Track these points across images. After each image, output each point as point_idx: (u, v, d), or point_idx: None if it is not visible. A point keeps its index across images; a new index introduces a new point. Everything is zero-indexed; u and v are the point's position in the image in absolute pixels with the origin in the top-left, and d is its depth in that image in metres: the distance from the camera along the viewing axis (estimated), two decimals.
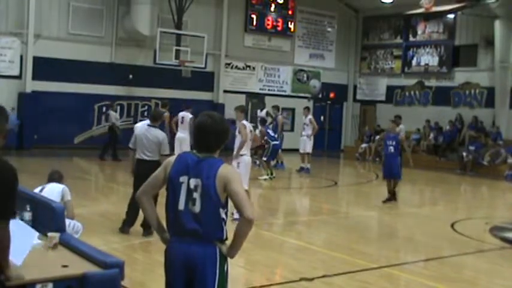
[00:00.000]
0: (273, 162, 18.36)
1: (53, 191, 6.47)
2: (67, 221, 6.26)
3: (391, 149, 12.59)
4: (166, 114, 15.10)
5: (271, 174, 16.09)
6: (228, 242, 3.71)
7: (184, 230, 3.62)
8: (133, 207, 8.66)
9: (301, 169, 18.11)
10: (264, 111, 19.71)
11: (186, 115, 15.43)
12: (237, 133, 10.11)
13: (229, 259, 3.73)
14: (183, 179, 3.62)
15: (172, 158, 3.82)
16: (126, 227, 8.63)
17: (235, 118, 10.51)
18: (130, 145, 8.71)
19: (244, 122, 10.38)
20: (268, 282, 6.89)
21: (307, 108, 19.41)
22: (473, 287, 7.38)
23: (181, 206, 3.62)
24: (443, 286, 7.09)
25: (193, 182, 3.59)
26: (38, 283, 3.97)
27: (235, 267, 7.94)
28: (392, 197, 12.86)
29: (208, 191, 3.56)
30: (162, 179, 3.80)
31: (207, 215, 3.58)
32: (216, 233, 3.62)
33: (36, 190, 6.51)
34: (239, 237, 3.64)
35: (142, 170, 8.52)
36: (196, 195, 3.57)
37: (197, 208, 3.58)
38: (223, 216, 3.63)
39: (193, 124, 3.88)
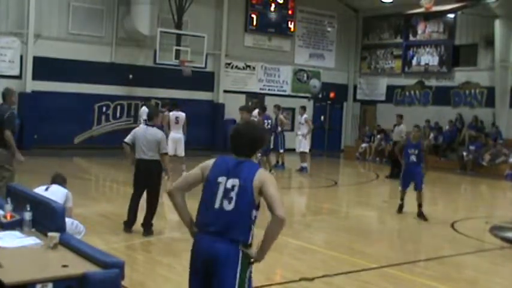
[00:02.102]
0: (273, 162, 18.40)
1: (57, 193, 6.52)
2: (70, 220, 6.29)
3: (413, 158, 11.37)
4: (167, 114, 15.06)
5: (270, 170, 16.13)
6: (254, 248, 3.84)
7: (213, 227, 3.78)
8: (133, 208, 8.68)
9: (302, 168, 18.12)
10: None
11: (180, 115, 15.12)
12: None
13: (254, 265, 3.88)
14: (222, 179, 3.82)
15: (210, 161, 4.02)
16: (127, 227, 8.63)
17: (240, 119, 10.19)
18: (127, 140, 8.69)
19: None
20: (268, 282, 6.88)
21: (303, 107, 19.40)
22: (474, 286, 7.39)
23: (216, 204, 3.80)
24: (444, 286, 7.09)
25: (231, 182, 3.79)
26: (38, 283, 3.97)
27: None
28: (420, 214, 11.22)
29: (245, 191, 3.76)
30: (198, 179, 4.02)
31: (239, 213, 3.75)
32: (242, 235, 3.76)
33: (41, 188, 6.58)
34: (269, 237, 3.81)
35: (144, 170, 8.56)
36: (233, 194, 3.77)
37: (231, 206, 3.76)
38: (253, 217, 3.79)
39: (232, 130, 4.09)
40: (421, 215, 11.16)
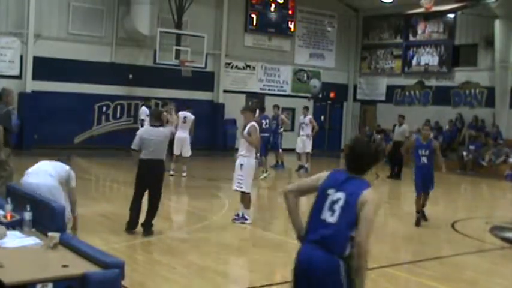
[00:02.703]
0: (273, 162, 18.40)
1: (59, 167, 6.95)
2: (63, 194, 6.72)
3: (424, 159, 10.73)
4: (166, 113, 15.07)
5: (266, 171, 16.16)
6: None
7: (313, 236, 3.87)
8: (137, 208, 8.64)
9: (300, 168, 18.11)
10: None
11: (188, 115, 15.36)
12: (245, 134, 9.64)
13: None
14: (330, 191, 3.89)
15: (326, 172, 4.08)
16: (130, 228, 8.61)
17: (244, 119, 9.85)
18: (136, 147, 8.58)
19: (254, 123, 9.72)
20: (268, 282, 6.88)
21: (306, 108, 19.40)
22: (474, 286, 7.39)
23: (323, 215, 3.87)
24: (444, 286, 7.08)
25: (337, 195, 3.85)
26: (38, 283, 3.97)
27: (235, 267, 7.96)
28: (422, 216, 10.91)
29: (349, 206, 3.80)
30: (313, 187, 4.08)
31: (339, 226, 3.80)
32: (338, 247, 3.81)
33: (46, 161, 7.02)
34: (355, 268, 3.83)
35: (150, 170, 8.58)
36: (337, 207, 3.83)
37: (333, 218, 3.82)
38: (352, 233, 3.81)
39: (347, 148, 4.18)
40: (423, 215, 10.91)
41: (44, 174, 6.76)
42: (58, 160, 7.15)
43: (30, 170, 6.93)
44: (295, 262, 3.94)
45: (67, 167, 7.03)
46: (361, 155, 3.98)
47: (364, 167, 3.99)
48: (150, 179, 8.58)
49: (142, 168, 8.57)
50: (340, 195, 3.84)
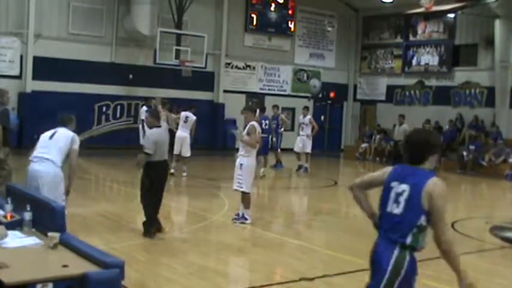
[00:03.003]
0: (273, 162, 18.40)
1: (63, 136, 7.19)
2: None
3: None
4: (165, 113, 15.08)
5: (263, 172, 16.16)
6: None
7: (382, 229, 4.04)
8: (150, 207, 8.55)
9: (299, 168, 18.11)
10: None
11: (190, 115, 15.37)
12: (244, 134, 9.67)
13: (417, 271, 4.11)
14: (394, 184, 3.98)
15: (390, 167, 4.18)
16: (159, 232, 8.56)
17: (244, 119, 9.86)
18: (151, 151, 8.36)
19: (254, 123, 9.72)
20: (268, 282, 6.89)
21: (306, 108, 19.40)
22: None
23: (389, 208, 3.98)
24: (443, 286, 7.08)
25: (402, 187, 3.93)
26: (38, 283, 3.97)
27: (235, 267, 7.97)
28: None
29: (412, 197, 3.87)
30: (378, 181, 4.18)
31: (404, 217, 3.89)
32: (401, 237, 3.90)
33: (48, 133, 7.25)
34: (447, 260, 4.12)
35: (165, 171, 8.64)
36: (401, 198, 3.92)
37: (398, 210, 3.92)
38: (420, 223, 3.87)
39: (405, 138, 4.22)
40: None
41: (48, 163, 7.08)
42: (61, 124, 7.34)
43: (36, 153, 7.21)
44: (370, 253, 4.10)
45: (70, 135, 7.22)
46: (419, 143, 4.02)
47: (424, 156, 4.00)
48: (164, 179, 8.67)
49: (161, 170, 8.55)
50: (405, 187, 3.91)
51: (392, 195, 3.95)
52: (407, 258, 3.96)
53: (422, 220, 3.87)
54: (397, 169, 4.09)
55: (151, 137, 8.50)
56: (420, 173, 3.94)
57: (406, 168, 4.03)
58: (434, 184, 3.87)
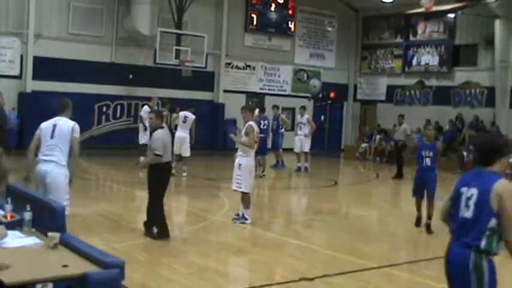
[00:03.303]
0: (273, 162, 18.40)
1: (64, 130, 7.17)
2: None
3: (428, 161, 10.12)
4: (165, 113, 15.07)
5: (263, 171, 16.15)
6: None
7: (454, 234, 4.13)
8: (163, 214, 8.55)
9: (299, 169, 18.11)
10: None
11: (189, 115, 15.35)
12: (243, 134, 9.69)
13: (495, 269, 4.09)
14: (464, 189, 4.08)
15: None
16: (163, 234, 8.45)
17: (243, 118, 9.88)
18: (161, 153, 8.34)
19: (252, 123, 9.70)
20: (268, 282, 6.89)
21: (303, 107, 19.39)
22: None
23: (460, 213, 4.07)
24: (444, 286, 7.07)
25: (471, 191, 4.02)
26: (38, 283, 3.97)
27: (235, 267, 7.97)
28: (427, 226, 9.92)
29: (481, 201, 3.93)
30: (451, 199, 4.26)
31: (475, 221, 3.95)
32: (474, 240, 3.94)
33: (49, 128, 7.19)
34: None
35: (169, 172, 8.75)
36: (471, 202, 4.00)
37: (469, 214, 4.00)
38: (491, 225, 3.90)
39: (474, 142, 4.30)
40: (428, 228, 9.87)
41: (52, 164, 7.15)
42: (60, 112, 7.34)
43: (41, 155, 7.26)
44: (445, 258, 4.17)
45: (70, 126, 7.21)
46: (488, 146, 4.11)
47: (491, 158, 4.06)
48: (168, 180, 8.71)
49: (166, 171, 8.57)
50: (473, 191, 3.99)
51: (463, 200, 4.04)
52: (485, 265, 3.99)
53: (493, 222, 3.90)
54: (464, 176, 4.21)
55: (160, 138, 8.43)
56: (487, 176, 4.00)
57: (473, 172, 4.15)
58: (502, 186, 3.90)
